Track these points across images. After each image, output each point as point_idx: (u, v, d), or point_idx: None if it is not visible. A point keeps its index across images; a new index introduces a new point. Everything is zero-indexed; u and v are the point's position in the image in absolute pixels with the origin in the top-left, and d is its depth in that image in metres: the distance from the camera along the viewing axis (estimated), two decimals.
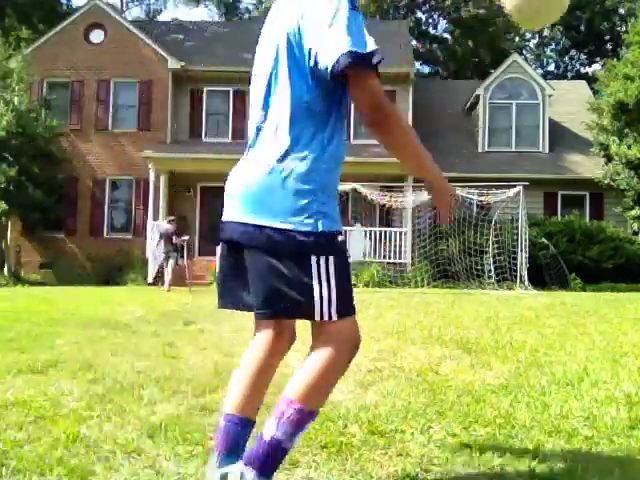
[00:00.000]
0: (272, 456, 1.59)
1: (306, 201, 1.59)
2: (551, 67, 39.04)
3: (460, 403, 2.81)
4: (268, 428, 1.60)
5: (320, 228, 1.59)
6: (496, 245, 14.84)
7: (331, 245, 1.61)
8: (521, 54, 32.91)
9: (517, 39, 37.70)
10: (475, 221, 15.35)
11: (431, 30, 38.56)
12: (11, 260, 18.08)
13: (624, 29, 22.88)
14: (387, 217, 17.14)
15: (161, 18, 40.49)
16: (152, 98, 19.00)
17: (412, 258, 16.00)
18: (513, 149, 18.91)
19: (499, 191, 14.67)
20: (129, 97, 19.26)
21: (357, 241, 16.03)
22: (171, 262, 13.28)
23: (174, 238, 13.61)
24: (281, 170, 1.61)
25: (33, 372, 3.48)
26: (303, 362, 1.64)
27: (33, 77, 18.32)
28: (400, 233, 16.16)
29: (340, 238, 1.64)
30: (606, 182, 16.62)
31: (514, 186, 14.63)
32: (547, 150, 18.86)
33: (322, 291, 1.58)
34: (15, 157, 17.00)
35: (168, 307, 8.22)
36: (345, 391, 3.07)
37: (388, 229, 16.40)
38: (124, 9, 38.69)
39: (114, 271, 16.91)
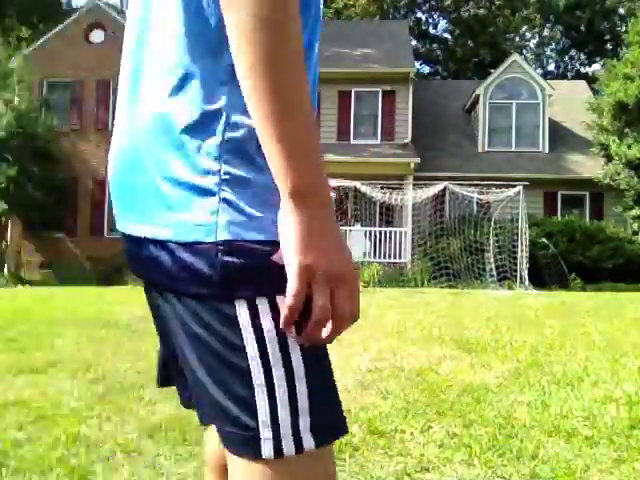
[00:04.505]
0: None
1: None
2: (551, 67, 39.02)
3: (460, 403, 2.81)
4: None
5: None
6: (496, 245, 14.84)
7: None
8: (521, 54, 32.90)
9: (517, 39, 37.67)
10: (475, 219, 15.36)
11: (431, 30, 38.54)
12: (11, 260, 18.08)
13: (624, 29, 22.87)
14: (387, 215, 17.13)
15: None
16: None
17: (412, 257, 16.00)
18: (513, 149, 18.89)
19: (499, 191, 14.68)
20: None
21: (357, 241, 16.03)
22: None
23: None
24: None
25: (33, 372, 3.48)
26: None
27: (33, 77, 18.33)
28: (400, 232, 16.15)
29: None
30: (606, 182, 16.61)
31: (514, 186, 14.63)
32: (547, 150, 18.85)
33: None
34: (15, 157, 17.00)
35: None
36: (345, 391, 3.06)
37: (388, 229, 16.39)
38: (124, 9, 38.68)
39: (114, 271, 16.90)
